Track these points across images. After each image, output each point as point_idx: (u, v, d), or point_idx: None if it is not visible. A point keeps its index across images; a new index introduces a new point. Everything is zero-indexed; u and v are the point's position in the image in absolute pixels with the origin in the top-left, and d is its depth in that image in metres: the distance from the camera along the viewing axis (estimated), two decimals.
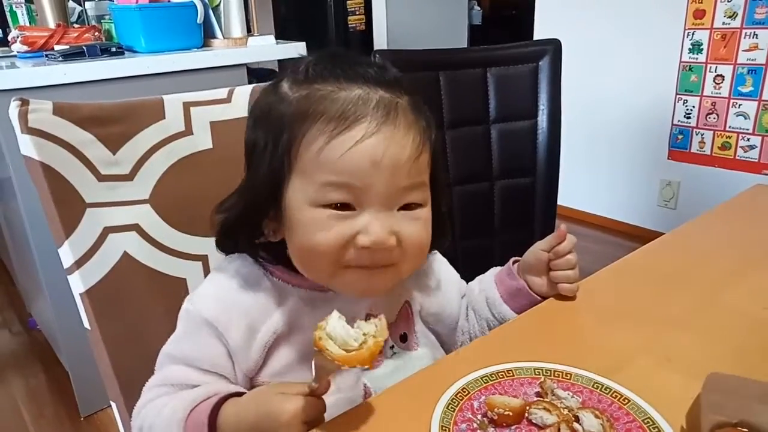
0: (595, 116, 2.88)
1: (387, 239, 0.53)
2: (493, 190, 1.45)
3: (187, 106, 0.76)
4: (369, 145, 0.52)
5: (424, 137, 0.56)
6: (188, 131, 0.76)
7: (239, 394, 0.53)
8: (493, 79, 1.41)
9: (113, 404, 0.72)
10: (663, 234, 0.91)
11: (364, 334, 0.47)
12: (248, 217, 0.58)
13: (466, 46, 3.72)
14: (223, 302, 0.59)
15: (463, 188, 1.42)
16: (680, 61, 2.54)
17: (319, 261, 0.56)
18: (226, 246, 0.62)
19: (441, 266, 0.73)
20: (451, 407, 0.49)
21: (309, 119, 0.53)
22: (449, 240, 0.67)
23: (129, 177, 0.71)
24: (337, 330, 0.46)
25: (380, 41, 3.53)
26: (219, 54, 1.79)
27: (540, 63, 1.40)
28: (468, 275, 0.78)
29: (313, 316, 0.58)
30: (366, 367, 0.46)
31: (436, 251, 0.72)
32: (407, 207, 0.56)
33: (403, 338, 0.65)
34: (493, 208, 1.46)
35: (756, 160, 2.42)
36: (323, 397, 0.57)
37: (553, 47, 1.38)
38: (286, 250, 0.59)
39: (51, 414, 1.77)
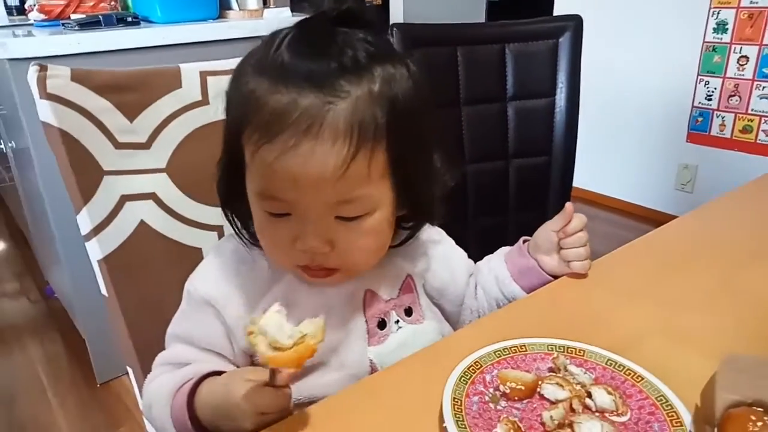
0: (613, 96, 2.83)
1: (320, 248, 0.54)
2: (508, 169, 1.44)
3: (203, 75, 0.76)
4: (287, 161, 0.49)
5: (359, 144, 0.50)
6: (204, 101, 0.76)
7: (221, 374, 0.53)
8: (511, 56, 1.38)
9: (129, 370, 0.74)
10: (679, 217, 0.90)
11: (303, 335, 0.45)
12: (230, 187, 0.59)
13: (484, 21, 3.66)
14: (220, 281, 0.60)
15: (477, 166, 1.40)
16: (704, 42, 2.48)
17: (275, 257, 0.58)
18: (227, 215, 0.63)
19: (445, 243, 0.72)
20: (464, 380, 0.49)
21: (248, 117, 0.52)
22: (436, 222, 0.67)
23: (146, 145, 0.72)
24: (269, 326, 0.44)
25: (396, 15, 3.48)
26: (234, 25, 1.77)
27: (560, 39, 1.37)
28: (480, 254, 0.78)
29: (310, 293, 0.60)
30: (292, 369, 0.45)
31: (441, 230, 0.72)
32: (347, 218, 0.54)
33: (408, 312, 0.65)
34: (508, 187, 1.45)
35: None
36: (328, 374, 0.57)
37: (575, 23, 1.35)
38: None
39: (68, 380, 1.81)
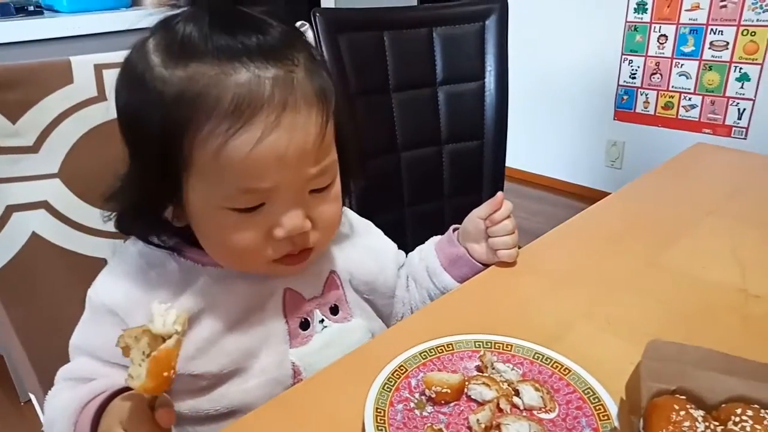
0: (542, 77, 2.87)
1: (303, 226, 0.51)
2: (442, 155, 1.43)
3: (98, 68, 0.69)
4: (271, 141, 0.46)
5: (326, 109, 0.50)
6: (101, 97, 0.69)
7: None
8: (439, 39, 1.37)
9: (32, 396, 0.67)
10: (610, 194, 0.91)
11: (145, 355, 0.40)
12: (146, 208, 0.53)
13: (416, 4, 3.63)
14: (125, 287, 0.55)
15: (410, 153, 1.39)
16: (626, 21, 2.55)
17: (244, 260, 0.53)
18: (128, 231, 0.57)
19: (372, 234, 0.70)
20: (388, 387, 0.47)
21: (198, 113, 0.45)
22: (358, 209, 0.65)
23: (33, 149, 0.64)
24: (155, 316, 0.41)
25: (327, 1, 3.40)
26: (150, 13, 1.66)
27: (486, 22, 1.36)
28: (418, 241, 0.76)
29: (227, 295, 0.55)
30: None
31: (369, 222, 0.70)
32: (318, 189, 0.53)
33: (334, 310, 0.62)
34: (442, 172, 1.44)
35: (696, 119, 2.48)
36: (247, 381, 0.53)
37: (500, 5, 1.35)
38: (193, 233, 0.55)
39: None
